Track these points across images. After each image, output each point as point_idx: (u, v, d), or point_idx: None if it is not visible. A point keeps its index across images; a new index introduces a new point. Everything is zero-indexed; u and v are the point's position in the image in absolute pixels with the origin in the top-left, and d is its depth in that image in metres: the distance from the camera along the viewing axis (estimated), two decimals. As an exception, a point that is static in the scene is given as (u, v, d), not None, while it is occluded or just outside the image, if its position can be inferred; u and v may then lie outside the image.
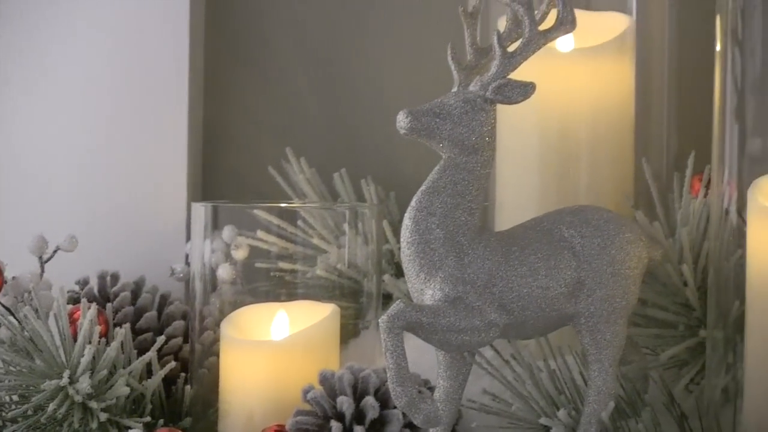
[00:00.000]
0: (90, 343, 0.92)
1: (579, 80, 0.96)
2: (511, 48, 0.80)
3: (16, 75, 1.16)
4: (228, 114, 1.21)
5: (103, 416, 0.92)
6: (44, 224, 1.07)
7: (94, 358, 0.92)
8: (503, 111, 0.81)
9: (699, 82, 0.97)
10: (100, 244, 1.12)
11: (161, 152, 1.14)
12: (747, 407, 0.83)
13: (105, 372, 0.92)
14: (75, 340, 0.93)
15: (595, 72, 0.96)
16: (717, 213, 0.87)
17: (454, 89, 0.80)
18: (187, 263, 1.05)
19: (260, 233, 0.97)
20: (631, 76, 0.98)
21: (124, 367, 0.94)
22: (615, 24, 0.98)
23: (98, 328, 0.93)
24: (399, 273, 1.06)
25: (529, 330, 0.81)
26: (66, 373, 0.91)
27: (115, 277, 1.05)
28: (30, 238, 1.01)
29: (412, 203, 0.79)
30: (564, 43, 0.95)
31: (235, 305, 0.95)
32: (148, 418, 0.94)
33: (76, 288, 1.06)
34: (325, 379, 0.88)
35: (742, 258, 0.83)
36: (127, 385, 0.93)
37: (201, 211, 0.97)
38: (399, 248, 0.81)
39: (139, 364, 0.95)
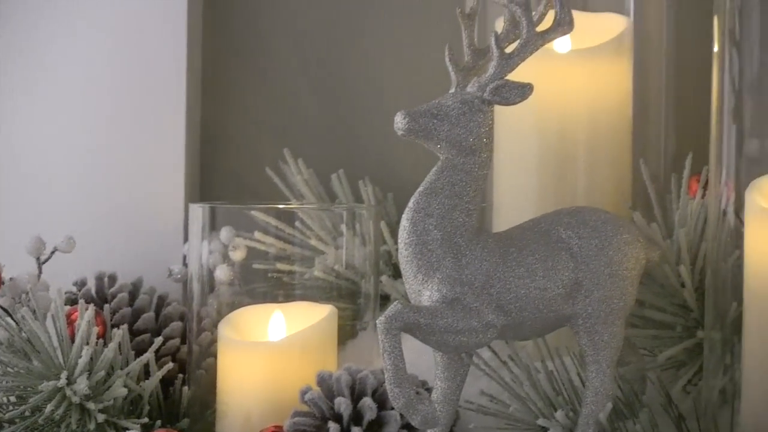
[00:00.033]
0: (87, 344, 0.92)
1: (576, 81, 0.96)
2: (509, 49, 0.80)
3: (14, 75, 1.16)
4: (226, 115, 1.21)
5: (101, 417, 0.92)
6: (42, 225, 1.07)
7: (91, 359, 0.92)
8: (501, 112, 0.81)
9: (697, 82, 0.97)
10: (97, 245, 1.12)
11: (159, 153, 1.14)
12: (744, 408, 0.83)
13: (102, 373, 0.92)
14: (72, 341, 0.93)
15: (592, 73, 0.96)
16: (714, 214, 0.87)
17: (452, 90, 0.80)
18: (185, 264, 1.05)
19: (258, 234, 0.97)
20: (629, 77, 0.98)
21: (121, 368, 0.94)
22: (612, 25, 0.98)
23: (96, 329, 0.93)
24: (397, 274, 1.06)
25: (526, 331, 0.81)
26: (63, 374, 0.91)
27: (112, 278, 1.05)
28: (27, 238, 1.01)
29: (410, 204, 0.79)
30: (561, 44, 0.95)
31: (233, 306, 0.95)
32: (146, 419, 0.94)
33: (74, 289, 1.05)
34: (323, 380, 0.88)
35: (740, 259, 0.83)
36: (125, 386, 0.93)
37: (199, 212, 0.96)
38: (396, 249, 0.81)
39: (136, 365, 0.95)
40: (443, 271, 0.78)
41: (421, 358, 0.87)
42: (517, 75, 0.79)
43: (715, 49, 0.86)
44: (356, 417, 0.87)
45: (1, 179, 1.16)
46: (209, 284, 0.97)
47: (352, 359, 0.93)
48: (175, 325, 1.02)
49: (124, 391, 0.93)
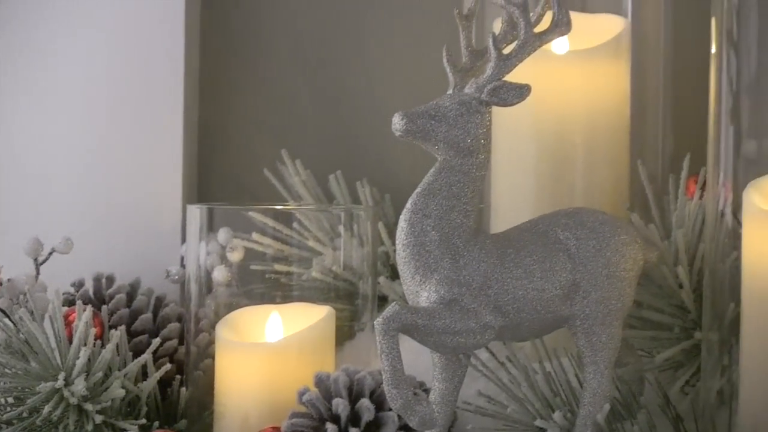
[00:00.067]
0: (85, 345, 0.92)
1: (574, 82, 0.96)
2: (507, 50, 0.80)
3: (13, 75, 1.16)
4: (224, 115, 1.20)
5: (99, 418, 0.92)
6: (39, 226, 1.07)
7: (89, 360, 0.92)
8: (498, 113, 0.81)
9: (694, 83, 0.97)
10: (95, 246, 1.12)
11: (157, 154, 1.14)
12: (742, 409, 0.83)
13: (100, 374, 0.92)
14: (70, 342, 0.93)
15: (590, 74, 0.96)
16: (712, 215, 0.87)
17: (450, 91, 0.80)
18: (183, 265, 1.05)
19: (255, 235, 0.97)
20: (627, 78, 0.98)
21: (119, 369, 0.94)
22: (610, 26, 0.98)
23: (93, 331, 0.93)
24: (394, 275, 1.06)
25: (524, 332, 0.81)
26: (61, 376, 0.91)
27: (110, 279, 1.05)
28: (25, 239, 1.01)
29: (408, 205, 0.79)
30: (559, 45, 0.95)
31: (231, 307, 0.95)
32: (144, 421, 0.94)
33: (72, 290, 1.05)
34: (321, 381, 0.88)
35: (738, 260, 0.83)
36: (123, 387, 0.93)
37: (196, 213, 0.96)
38: (394, 250, 0.81)
39: (134, 366, 0.95)
40: (441, 272, 0.78)
41: (418, 359, 0.87)
42: (515, 76, 0.79)
43: (713, 50, 0.86)
44: (354, 418, 0.87)
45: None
46: (207, 285, 0.97)
47: (349, 360, 0.93)
48: (173, 326, 1.02)
49: (121, 392, 0.93)
